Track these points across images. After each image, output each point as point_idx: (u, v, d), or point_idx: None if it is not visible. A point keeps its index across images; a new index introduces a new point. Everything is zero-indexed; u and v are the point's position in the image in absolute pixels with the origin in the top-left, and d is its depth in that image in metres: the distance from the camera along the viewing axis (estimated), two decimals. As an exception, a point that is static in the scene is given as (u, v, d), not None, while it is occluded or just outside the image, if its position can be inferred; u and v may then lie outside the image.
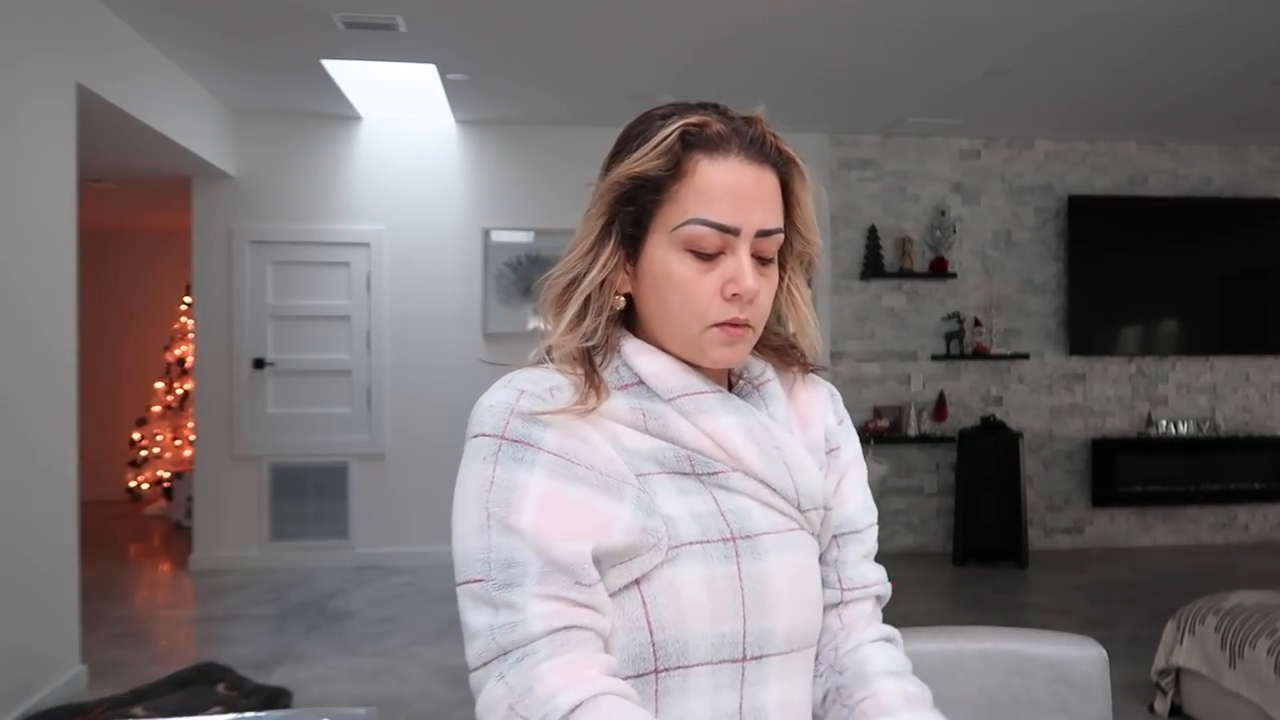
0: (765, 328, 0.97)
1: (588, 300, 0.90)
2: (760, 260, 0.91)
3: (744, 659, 0.86)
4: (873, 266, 6.19)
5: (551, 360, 0.92)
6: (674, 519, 0.86)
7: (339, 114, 5.86)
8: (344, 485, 5.97)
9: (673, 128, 0.90)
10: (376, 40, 4.47)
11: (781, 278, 0.97)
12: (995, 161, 6.44)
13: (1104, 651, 1.43)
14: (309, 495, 5.95)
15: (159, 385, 7.87)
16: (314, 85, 5.23)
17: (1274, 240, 6.53)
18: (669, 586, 0.84)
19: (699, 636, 0.84)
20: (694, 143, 0.90)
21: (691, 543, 0.86)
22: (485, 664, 0.80)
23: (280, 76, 5.13)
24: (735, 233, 0.88)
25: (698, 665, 0.84)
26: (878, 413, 6.25)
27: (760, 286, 0.90)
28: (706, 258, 0.89)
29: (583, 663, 0.79)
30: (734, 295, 0.89)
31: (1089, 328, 6.39)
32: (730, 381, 0.99)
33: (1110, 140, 6.48)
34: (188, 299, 7.20)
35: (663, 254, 0.90)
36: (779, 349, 1.02)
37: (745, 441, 0.91)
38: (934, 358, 6.34)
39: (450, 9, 4.12)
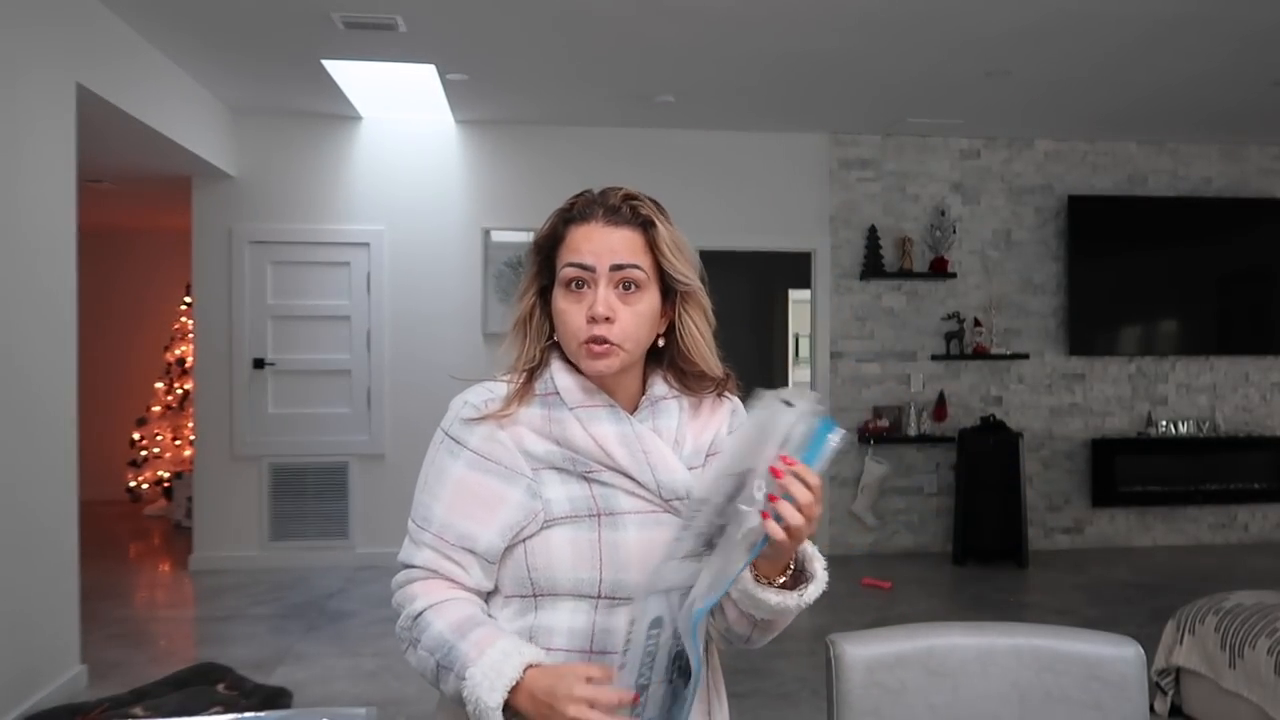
0: (681, 361, 1.29)
1: (523, 330, 1.28)
2: (625, 292, 1.21)
3: (598, 597, 1.20)
4: (872, 266, 6.20)
5: (500, 376, 1.29)
6: (552, 501, 1.21)
7: (339, 114, 5.86)
8: (344, 485, 5.98)
9: (556, 212, 1.27)
10: (376, 40, 4.47)
11: (677, 315, 1.27)
12: (995, 161, 6.44)
13: (1142, 651, 1.43)
14: (309, 495, 5.95)
15: (159, 385, 7.87)
16: (314, 85, 5.23)
17: (1274, 240, 6.53)
18: (543, 544, 1.20)
19: (563, 576, 1.20)
20: (569, 218, 1.25)
21: (563, 517, 1.21)
22: (399, 564, 1.27)
23: (280, 76, 5.13)
24: (592, 269, 1.20)
25: (563, 595, 1.20)
26: (877, 413, 6.26)
27: (618, 312, 1.20)
28: (577, 292, 1.22)
29: (440, 585, 1.21)
30: (591, 319, 1.19)
31: (1089, 328, 6.39)
32: (640, 397, 1.30)
33: (1110, 140, 6.49)
34: (188, 299, 7.20)
35: (556, 296, 1.24)
36: (693, 377, 1.30)
37: (617, 445, 1.23)
38: (934, 358, 6.34)
39: (450, 9, 4.12)
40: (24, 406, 3.48)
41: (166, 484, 7.67)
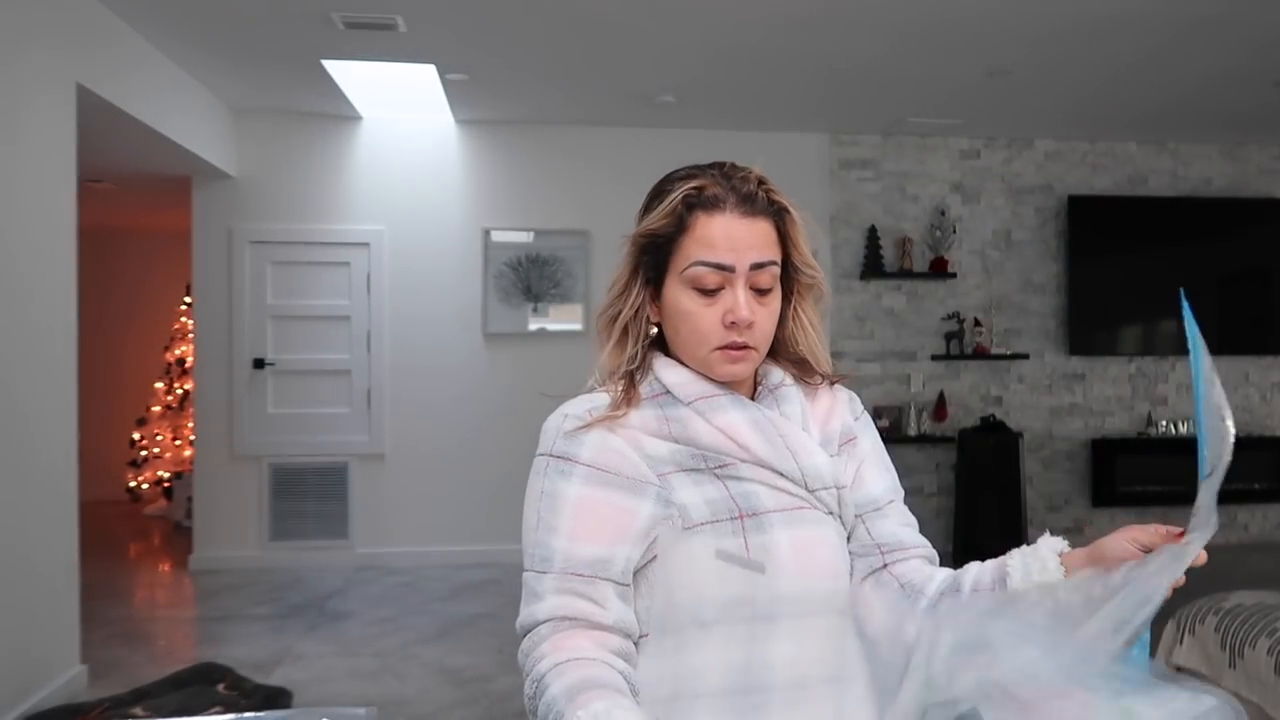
0: (788, 348, 1.19)
1: (626, 329, 1.13)
2: (758, 291, 1.09)
3: (754, 619, 1.04)
4: (872, 266, 6.19)
5: (598, 385, 1.14)
6: (688, 506, 1.05)
7: (339, 114, 5.86)
8: (344, 485, 5.97)
9: (678, 193, 1.10)
10: (376, 40, 4.47)
11: (791, 305, 1.17)
12: (995, 161, 6.44)
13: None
14: (309, 495, 5.95)
15: (159, 385, 7.87)
16: (314, 85, 5.23)
17: (1274, 240, 6.52)
18: (684, 558, 1.04)
19: (711, 598, 1.03)
20: (695, 203, 1.09)
21: (702, 523, 1.05)
22: (520, 631, 1.05)
23: (280, 76, 5.13)
24: (731, 269, 1.07)
25: (712, 622, 1.03)
26: (878, 413, 6.25)
27: (757, 314, 1.08)
28: (708, 293, 1.08)
29: (570, 640, 0.99)
30: (732, 323, 1.07)
31: (1089, 328, 6.39)
32: (754, 386, 1.18)
33: (1110, 140, 6.48)
34: (188, 299, 7.20)
35: (675, 293, 1.10)
36: (799, 363, 1.20)
37: (750, 432, 1.09)
38: (934, 358, 6.34)
39: (450, 9, 4.12)
40: (24, 406, 3.48)
41: (166, 484, 7.67)
